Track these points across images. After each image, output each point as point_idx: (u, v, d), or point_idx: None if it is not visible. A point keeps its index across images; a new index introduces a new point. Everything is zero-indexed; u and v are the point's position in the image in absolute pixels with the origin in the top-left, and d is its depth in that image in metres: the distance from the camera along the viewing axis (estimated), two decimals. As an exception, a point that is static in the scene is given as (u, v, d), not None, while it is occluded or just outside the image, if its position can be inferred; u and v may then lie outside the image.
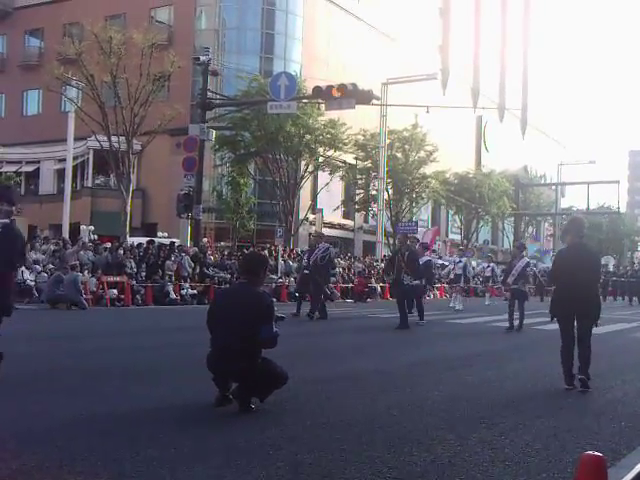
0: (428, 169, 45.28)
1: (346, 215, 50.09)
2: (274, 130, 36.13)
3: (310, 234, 18.14)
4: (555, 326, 8.57)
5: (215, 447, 5.08)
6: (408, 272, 15.76)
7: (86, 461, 4.63)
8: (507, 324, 16.06)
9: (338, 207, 46.05)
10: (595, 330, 8.32)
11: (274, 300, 7.70)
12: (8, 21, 52.73)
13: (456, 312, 23.01)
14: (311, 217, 40.76)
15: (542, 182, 72.73)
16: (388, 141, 42.57)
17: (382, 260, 37.97)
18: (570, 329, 8.15)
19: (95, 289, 21.26)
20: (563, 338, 8.21)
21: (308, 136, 37.66)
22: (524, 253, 17.69)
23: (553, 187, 69.07)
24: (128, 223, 33.02)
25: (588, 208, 58.63)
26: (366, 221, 50.89)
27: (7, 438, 5.15)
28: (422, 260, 17.37)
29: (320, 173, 42.49)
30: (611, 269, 45.74)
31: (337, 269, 29.99)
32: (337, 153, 40.32)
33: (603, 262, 52.89)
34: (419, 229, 51.44)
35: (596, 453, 2.58)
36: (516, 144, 72.36)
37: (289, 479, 4.37)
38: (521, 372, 9.62)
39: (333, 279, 25.82)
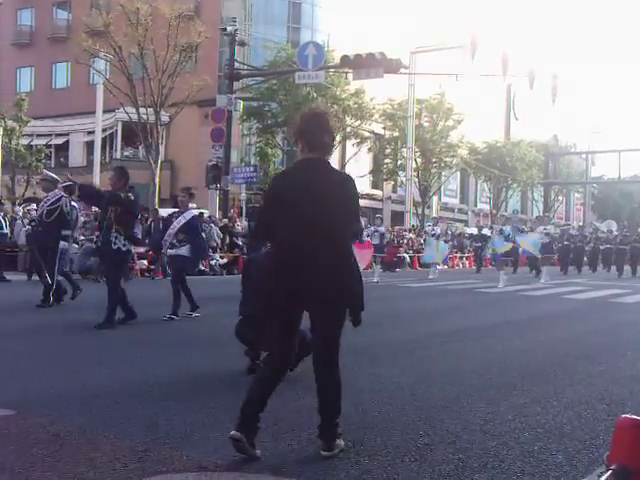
0: (455, 136, 44.92)
1: (374, 185, 49.92)
2: (301, 100, 36.01)
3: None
4: (592, 293, 7.67)
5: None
6: (120, 232, 9.92)
7: (120, 427, 4.69)
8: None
9: (364, 176, 45.74)
10: (623, 299, 7.47)
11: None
12: (36, -6, 52.72)
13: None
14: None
15: (572, 151, 71.74)
16: (416, 110, 42.22)
17: (411, 230, 37.72)
18: (286, 332, 4.27)
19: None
20: (272, 351, 4.40)
21: (335, 106, 37.48)
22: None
23: (583, 156, 68.03)
24: (157, 194, 33.17)
25: (620, 177, 57.61)
26: (395, 191, 50.79)
27: (43, 405, 5.25)
28: (186, 217, 11.31)
29: (348, 143, 42.31)
30: (604, 235, 37.13)
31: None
32: (365, 123, 40.12)
33: (604, 227, 39.09)
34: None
35: (634, 416, 2.54)
36: (546, 112, 71.33)
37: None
38: (551, 341, 9.58)
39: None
